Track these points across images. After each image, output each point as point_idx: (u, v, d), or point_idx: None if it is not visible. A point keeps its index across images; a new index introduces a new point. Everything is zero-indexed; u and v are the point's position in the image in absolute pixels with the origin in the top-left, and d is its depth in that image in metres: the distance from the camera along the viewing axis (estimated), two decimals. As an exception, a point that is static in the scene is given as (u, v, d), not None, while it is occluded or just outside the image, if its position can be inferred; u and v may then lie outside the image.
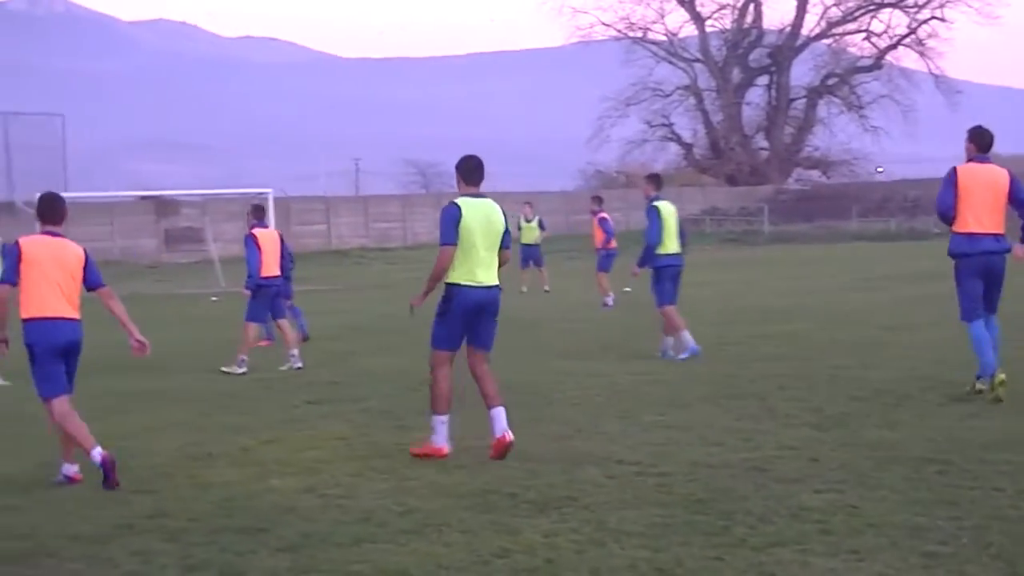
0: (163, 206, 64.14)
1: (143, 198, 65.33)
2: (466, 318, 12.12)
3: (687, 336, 19.30)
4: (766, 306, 28.73)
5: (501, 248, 12.21)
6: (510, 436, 11.82)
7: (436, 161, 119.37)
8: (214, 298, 41.10)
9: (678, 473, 10.83)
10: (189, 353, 23.29)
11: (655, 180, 20.38)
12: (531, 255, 37.87)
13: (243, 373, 19.73)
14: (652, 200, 19.44)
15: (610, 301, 30.94)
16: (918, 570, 7.89)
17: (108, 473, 11.01)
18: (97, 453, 11.08)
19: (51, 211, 11.60)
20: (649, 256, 19.42)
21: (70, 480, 11.39)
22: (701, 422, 13.33)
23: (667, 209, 19.45)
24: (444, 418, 11.99)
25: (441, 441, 11.95)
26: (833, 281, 37.37)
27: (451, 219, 11.88)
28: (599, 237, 33.45)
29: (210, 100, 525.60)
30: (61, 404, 11.31)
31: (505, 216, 12.29)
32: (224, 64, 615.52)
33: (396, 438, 13.14)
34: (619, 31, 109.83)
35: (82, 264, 11.48)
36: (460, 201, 12.00)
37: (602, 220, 33.69)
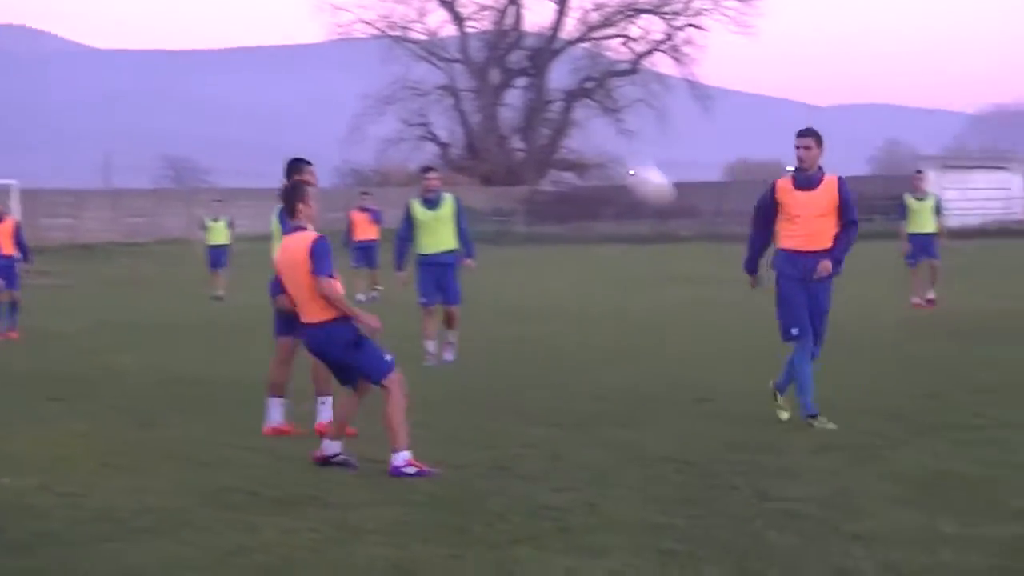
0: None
1: None
2: None
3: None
4: (517, 307, 28.90)
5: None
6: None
7: (190, 156, 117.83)
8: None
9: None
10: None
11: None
12: (219, 257, 35.02)
13: None
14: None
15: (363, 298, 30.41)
16: (654, 567, 8.02)
17: None
18: None
19: None
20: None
21: None
22: (447, 422, 13.36)
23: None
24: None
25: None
26: (585, 283, 37.77)
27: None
28: (368, 229, 32.95)
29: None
30: None
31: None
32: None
33: (139, 435, 12.93)
34: (379, 29, 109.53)
35: None
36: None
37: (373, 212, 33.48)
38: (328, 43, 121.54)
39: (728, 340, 21.28)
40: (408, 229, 18.74)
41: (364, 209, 33.73)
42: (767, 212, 13.21)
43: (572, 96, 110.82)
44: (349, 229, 33.26)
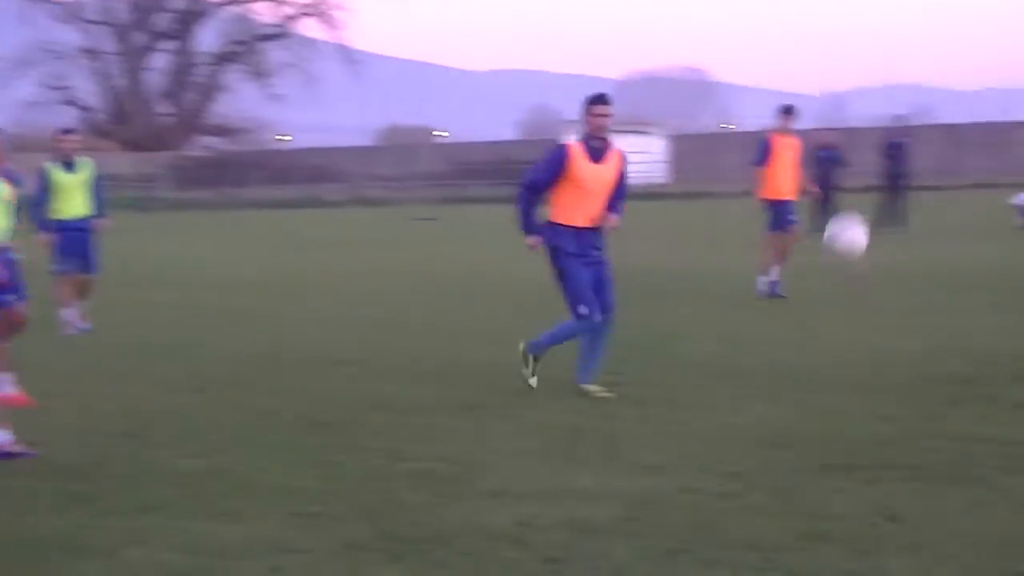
0: None
1: None
2: None
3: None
4: (159, 273, 28.31)
5: None
6: None
7: None
8: None
9: (52, 442, 10.50)
10: None
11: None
12: None
13: None
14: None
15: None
16: (290, 529, 7.99)
17: None
18: None
19: None
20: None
21: None
22: (79, 389, 13.01)
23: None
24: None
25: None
26: (227, 249, 37.30)
27: None
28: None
29: None
30: None
31: None
32: None
33: None
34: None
35: None
36: None
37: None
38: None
39: (374, 303, 21.32)
40: (44, 192, 18.10)
41: None
42: (552, 178, 12.23)
43: (220, 60, 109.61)
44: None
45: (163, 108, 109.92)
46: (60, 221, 18.07)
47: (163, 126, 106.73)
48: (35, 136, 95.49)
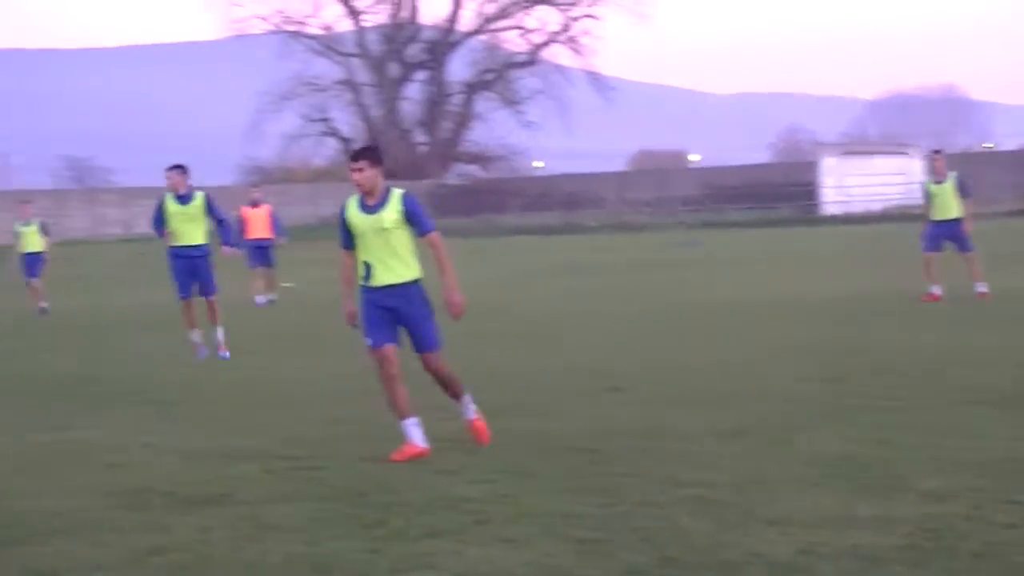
0: None
1: None
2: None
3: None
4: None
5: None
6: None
7: (89, 155, 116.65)
8: None
9: (335, 467, 10.81)
10: None
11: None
12: (33, 266, 30.90)
13: None
14: None
15: (269, 298, 29.80)
16: (571, 556, 8.04)
17: None
18: None
19: None
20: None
21: None
22: (362, 416, 13.33)
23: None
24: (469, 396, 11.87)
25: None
26: (492, 275, 37.76)
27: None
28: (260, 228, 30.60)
29: None
30: None
31: None
32: None
33: (50, 437, 12.82)
34: (275, 25, 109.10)
35: None
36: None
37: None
38: (224, 39, 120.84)
39: (634, 328, 21.38)
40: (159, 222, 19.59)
41: (256, 204, 31.13)
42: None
43: (472, 88, 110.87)
44: (241, 227, 29.88)
45: (419, 137, 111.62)
46: (176, 248, 19.47)
47: (420, 155, 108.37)
48: (299, 167, 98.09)
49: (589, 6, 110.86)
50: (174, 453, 11.68)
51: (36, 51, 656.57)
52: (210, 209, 19.35)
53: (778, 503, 9.17)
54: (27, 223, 31.39)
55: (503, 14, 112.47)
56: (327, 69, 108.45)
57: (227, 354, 19.37)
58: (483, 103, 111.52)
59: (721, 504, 9.20)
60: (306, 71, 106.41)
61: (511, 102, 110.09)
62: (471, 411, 11.77)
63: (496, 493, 9.68)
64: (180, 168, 19.59)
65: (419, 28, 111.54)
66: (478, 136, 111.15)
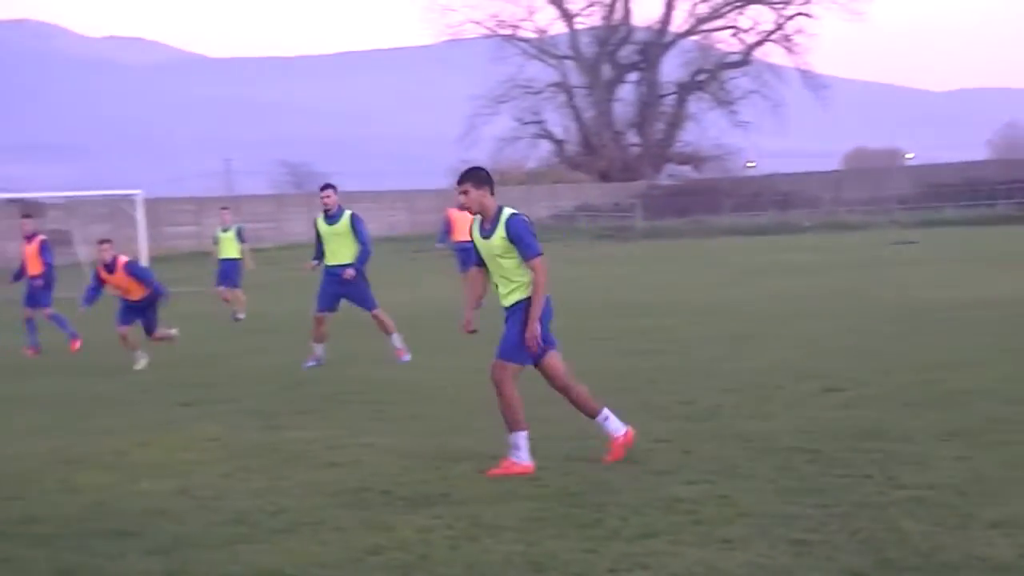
0: (28, 209, 63.11)
1: (9, 201, 64.29)
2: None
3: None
4: (639, 301, 28.89)
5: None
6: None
7: (308, 161, 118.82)
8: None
9: (551, 467, 10.86)
10: (61, 356, 23.01)
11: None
12: (229, 272, 30.86)
13: None
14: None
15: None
16: (788, 557, 7.99)
17: None
18: None
19: None
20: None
21: None
22: (573, 416, 13.35)
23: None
24: (526, 432, 11.10)
25: (526, 457, 11.01)
26: (706, 275, 37.65)
27: (532, 228, 11.29)
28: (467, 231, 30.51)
29: (77, 101, 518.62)
30: None
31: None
32: (90, 64, 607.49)
33: (269, 438, 13.07)
34: (489, 29, 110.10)
35: None
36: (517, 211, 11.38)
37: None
38: (438, 44, 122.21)
39: (850, 328, 21.11)
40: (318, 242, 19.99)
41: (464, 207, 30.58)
42: None
43: (685, 89, 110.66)
44: (447, 228, 29.78)
45: (631, 139, 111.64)
46: (327, 267, 19.84)
47: (632, 156, 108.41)
48: (513, 169, 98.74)
49: (803, 4, 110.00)
50: (391, 453, 11.84)
51: (257, 59, 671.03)
52: (354, 229, 19.56)
53: (1000, 504, 9.00)
54: (225, 229, 31.31)
55: (716, 14, 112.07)
56: (540, 72, 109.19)
57: (407, 357, 19.53)
58: (696, 104, 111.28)
59: (941, 506, 9.06)
60: (519, 74, 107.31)
61: (724, 102, 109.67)
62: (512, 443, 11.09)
63: (712, 494, 9.65)
64: (332, 187, 19.86)
65: (632, 30, 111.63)
66: (690, 137, 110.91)
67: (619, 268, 43.76)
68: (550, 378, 11.36)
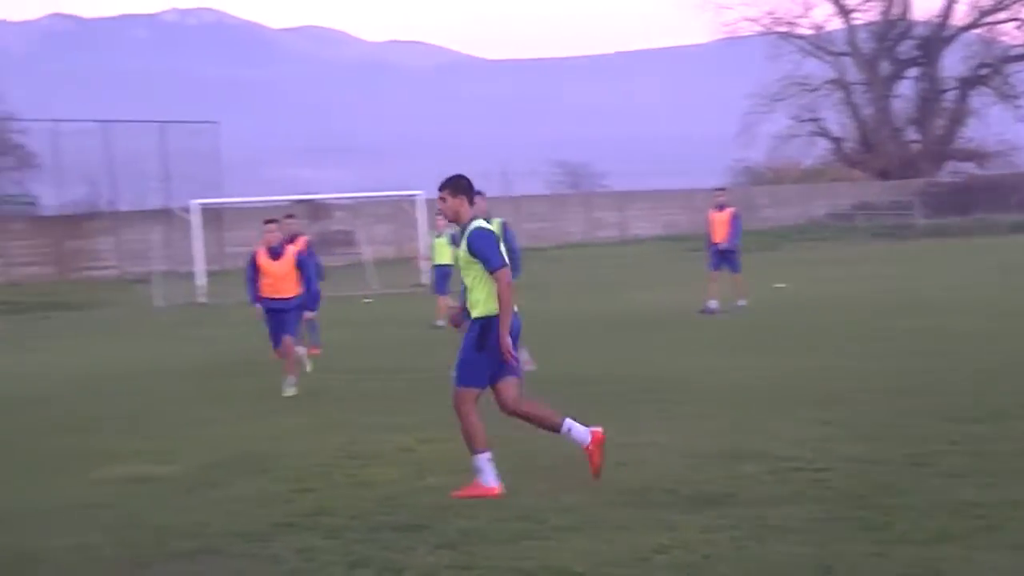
0: (315, 210, 64.76)
1: (295, 202, 66.18)
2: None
3: None
4: (921, 300, 28.35)
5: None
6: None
7: (585, 161, 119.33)
8: (367, 300, 41.23)
9: (837, 468, 10.76)
10: (346, 354, 23.52)
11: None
12: (443, 280, 29.76)
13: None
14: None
15: (713, 305, 28.30)
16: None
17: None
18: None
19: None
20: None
21: None
22: (858, 418, 13.22)
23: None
24: (488, 454, 10.94)
25: (492, 480, 10.83)
26: (991, 275, 36.73)
27: (495, 240, 11.13)
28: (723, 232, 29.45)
29: (359, 104, 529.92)
30: None
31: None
32: (371, 68, 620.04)
33: (552, 436, 13.16)
34: (764, 26, 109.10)
35: None
36: (484, 223, 11.34)
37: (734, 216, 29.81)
38: (713, 43, 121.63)
39: None
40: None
41: (720, 208, 29.87)
42: None
43: (967, 84, 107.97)
44: (709, 231, 29.67)
45: (911, 135, 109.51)
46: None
47: (912, 153, 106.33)
48: (789, 168, 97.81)
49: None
50: (676, 452, 11.85)
51: (532, 61, 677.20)
52: (506, 239, 19.57)
53: None
54: (439, 235, 30.25)
55: (1000, 6, 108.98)
56: (817, 69, 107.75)
57: (530, 367, 19.16)
58: (978, 98, 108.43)
59: None
60: (796, 71, 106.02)
61: (1008, 96, 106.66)
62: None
63: (1004, 498, 9.43)
64: (479, 193, 19.88)
65: (911, 24, 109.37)
66: (973, 132, 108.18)
67: (900, 267, 42.97)
68: (499, 403, 11.16)
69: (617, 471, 11.16)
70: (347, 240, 60.75)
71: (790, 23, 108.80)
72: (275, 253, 19.26)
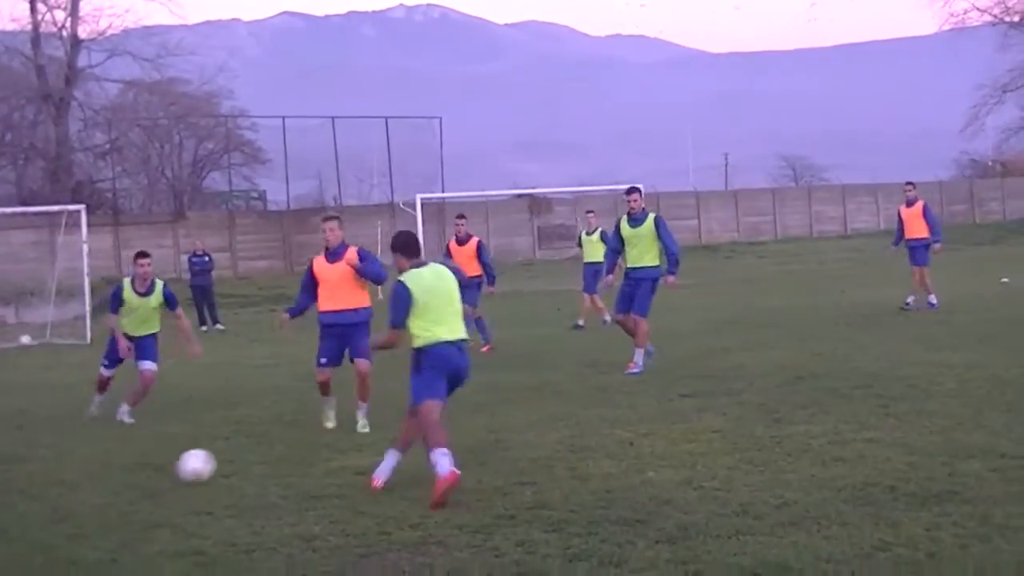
0: (536, 204, 65.17)
1: (517, 196, 66.70)
2: (444, 371, 11.44)
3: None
4: None
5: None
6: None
7: (806, 155, 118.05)
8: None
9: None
10: (564, 349, 23.63)
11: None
12: (591, 278, 29.22)
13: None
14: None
15: (933, 300, 27.76)
16: None
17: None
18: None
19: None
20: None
21: None
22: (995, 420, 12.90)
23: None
24: (445, 449, 10.94)
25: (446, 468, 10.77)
26: None
27: (401, 302, 11.47)
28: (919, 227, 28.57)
29: (582, 99, 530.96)
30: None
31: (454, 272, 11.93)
32: (595, 63, 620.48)
33: (772, 431, 13.10)
34: (995, 16, 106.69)
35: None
36: (405, 278, 11.60)
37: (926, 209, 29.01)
38: (939, 33, 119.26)
39: None
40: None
41: (911, 204, 28.77)
42: None
43: None
44: (900, 227, 28.99)
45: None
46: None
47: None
48: (1017, 160, 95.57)
49: None
50: (897, 448, 11.69)
51: (756, 53, 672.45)
52: (603, 239, 19.64)
53: None
54: (590, 232, 30.33)
55: None
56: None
57: (634, 370, 19.10)
58: None
59: None
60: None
61: None
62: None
63: None
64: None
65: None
66: None
67: None
68: (413, 424, 11.48)
69: (836, 467, 11.07)
70: (567, 234, 60.99)
71: (1022, 13, 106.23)
72: (334, 255, 15.60)
